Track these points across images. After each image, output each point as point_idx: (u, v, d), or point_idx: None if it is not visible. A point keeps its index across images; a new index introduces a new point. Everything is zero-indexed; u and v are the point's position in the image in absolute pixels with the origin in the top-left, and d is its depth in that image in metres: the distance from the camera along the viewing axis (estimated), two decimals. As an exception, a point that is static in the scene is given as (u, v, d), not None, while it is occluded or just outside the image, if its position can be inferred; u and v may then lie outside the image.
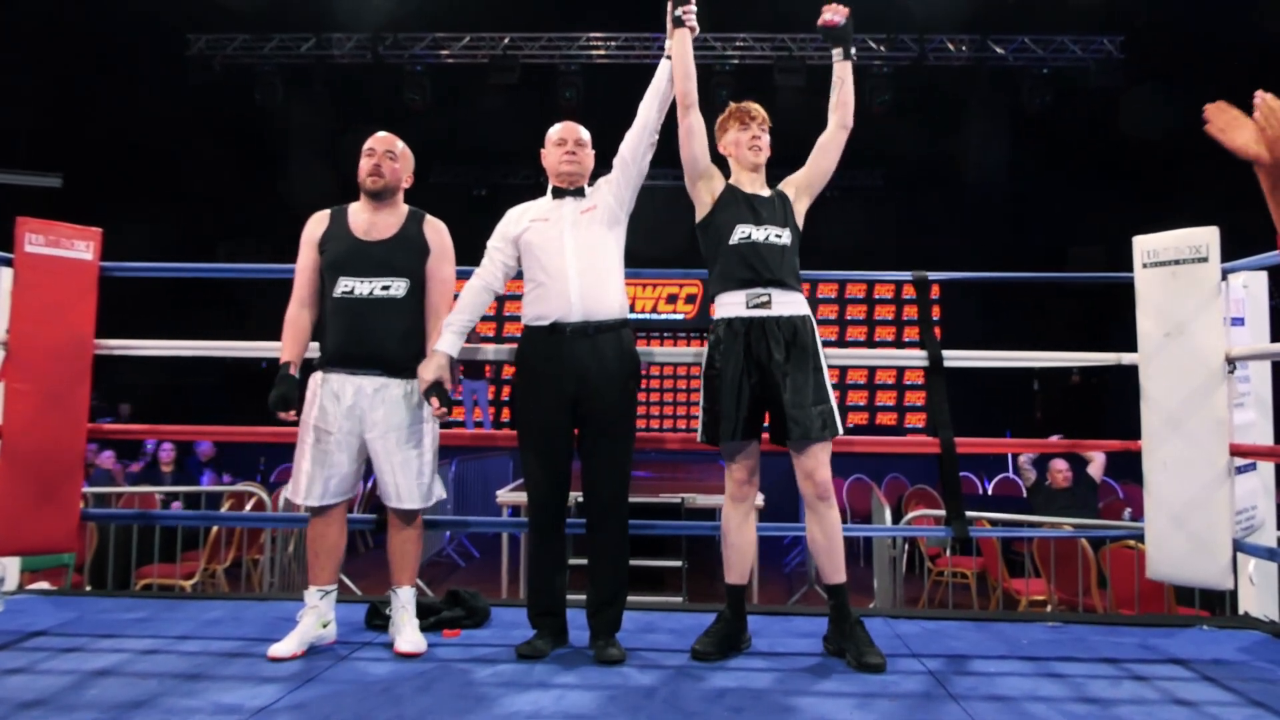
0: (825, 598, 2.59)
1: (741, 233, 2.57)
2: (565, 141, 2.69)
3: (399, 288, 2.57)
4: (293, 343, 2.61)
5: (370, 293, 2.55)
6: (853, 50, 2.69)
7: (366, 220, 2.62)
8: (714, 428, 2.56)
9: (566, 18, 10.09)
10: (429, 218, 2.70)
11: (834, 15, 2.67)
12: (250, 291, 11.40)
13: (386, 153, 2.62)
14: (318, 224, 2.65)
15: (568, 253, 2.58)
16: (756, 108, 2.68)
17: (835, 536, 2.55)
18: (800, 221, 2.69)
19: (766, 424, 2.60)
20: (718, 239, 2.61)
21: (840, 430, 2.53)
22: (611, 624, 2.58)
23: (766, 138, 2.68)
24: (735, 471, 2.61)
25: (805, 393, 2.48)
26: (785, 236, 2.59)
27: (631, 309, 2.75)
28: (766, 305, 2.53)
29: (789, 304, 2.55)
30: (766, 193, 2.66)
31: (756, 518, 2.68)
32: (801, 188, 2.70)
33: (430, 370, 2.55)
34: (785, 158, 2.75)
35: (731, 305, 2.57)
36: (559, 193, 2.69)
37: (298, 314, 2.63)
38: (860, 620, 2.55)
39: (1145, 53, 9.60)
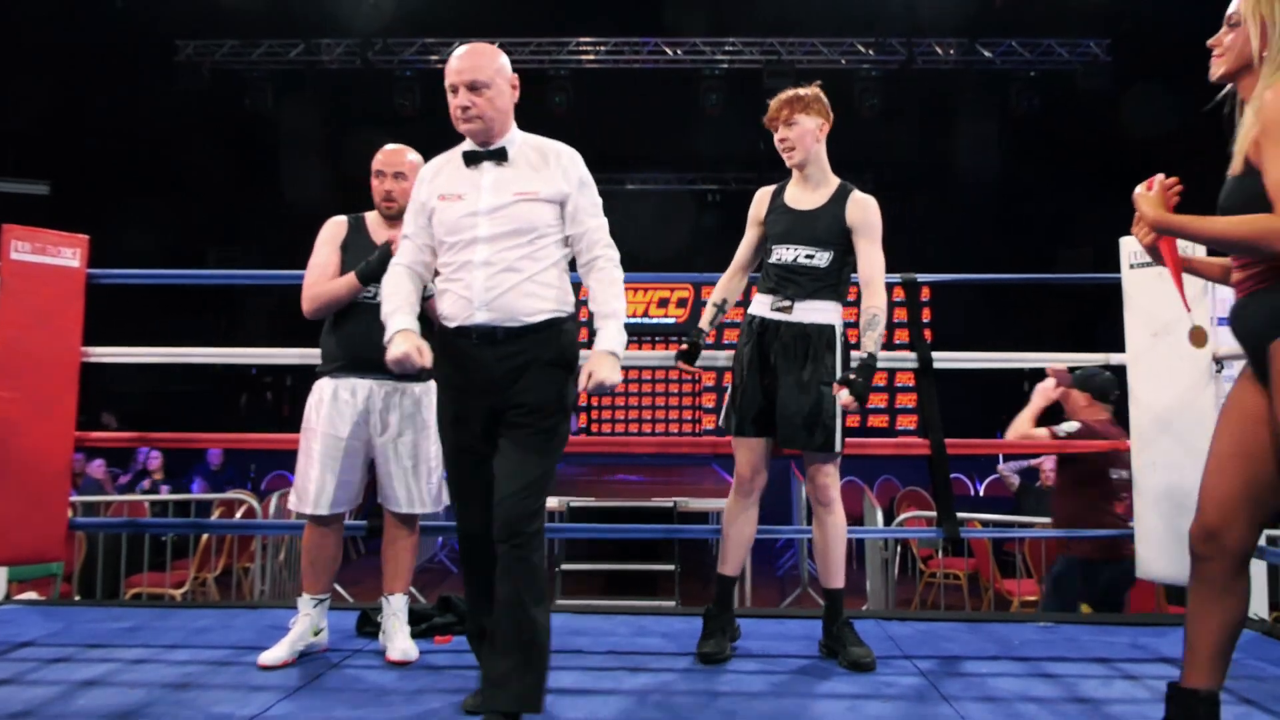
0: (819, 600, 2.60)
1: (776, 254, 2.60)
2: (456, 89, 2.05)
3: None
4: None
5: None
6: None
7: (386, 234, 2.62)
8: (727, 419, 2.62)
9: (556, 23, 10.09)
10: None
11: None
12: (241, 298, 11.38)
13: (395, 174, 2.62)
14: (338, 228, 2.65)
15: (480, 239, 2.03)
16: (776, 104, 2.55)
17: (833, 542, 2.56)
18: (853, 247, 2.56)
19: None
20: (765, 253, 2.66)
21: (838, 448, 2.51)
22: (515, 701, 1.87)
23: (796, 131, 2.52)
24: (738, 466, 2.62)
25: (799, 404, 2.48)
26: (819, 257, 2.54)
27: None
28: (787, 311, 2.55)
29: (812, 312, 2.54)
30: (815, 203, 2.58)
31: (757, 516, 2.66)
32: (858, 230, 2.55)
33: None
34: (779, 161, 2.70)
35: (759, 304, 2.62)
36: (473, 157, 2.10)
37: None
38: (849, 621, 2.57)
39: (1132, 55, 9.65)
